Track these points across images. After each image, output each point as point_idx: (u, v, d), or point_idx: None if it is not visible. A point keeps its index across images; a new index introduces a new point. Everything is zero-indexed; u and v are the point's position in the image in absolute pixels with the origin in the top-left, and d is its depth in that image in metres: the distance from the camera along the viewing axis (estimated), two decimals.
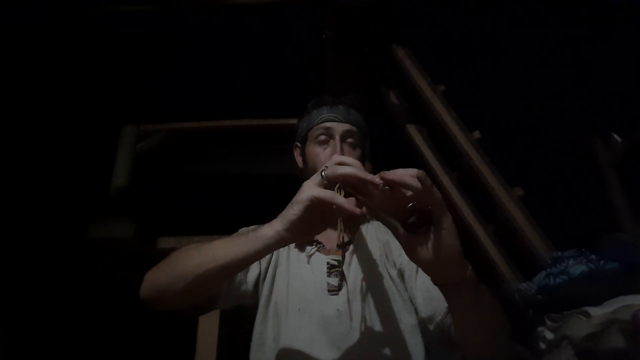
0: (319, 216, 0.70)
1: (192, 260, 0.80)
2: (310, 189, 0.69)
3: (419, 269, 0.96)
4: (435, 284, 0.69)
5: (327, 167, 0.70)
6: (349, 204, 0.65)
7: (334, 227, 0.97)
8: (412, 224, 0.63)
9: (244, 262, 0.77)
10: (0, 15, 1.91)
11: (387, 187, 0.63)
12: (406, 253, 0.67)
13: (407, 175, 0.62)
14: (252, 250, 0.73)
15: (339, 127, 1.10)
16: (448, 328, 0.86)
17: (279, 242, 0.72)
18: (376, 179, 0.64)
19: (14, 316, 1.74)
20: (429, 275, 0.68)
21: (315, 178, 0.70)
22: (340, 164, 0.70)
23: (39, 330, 1.79)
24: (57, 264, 1.84)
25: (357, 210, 0.65)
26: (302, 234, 0.73)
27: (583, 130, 1.93)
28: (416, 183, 0.61)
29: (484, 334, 0.74)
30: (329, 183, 0.69)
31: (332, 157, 0.74)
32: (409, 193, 0.62)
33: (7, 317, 1.72)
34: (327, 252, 1.03)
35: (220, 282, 0.88)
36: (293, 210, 0.70)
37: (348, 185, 0.67)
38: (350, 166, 0.68)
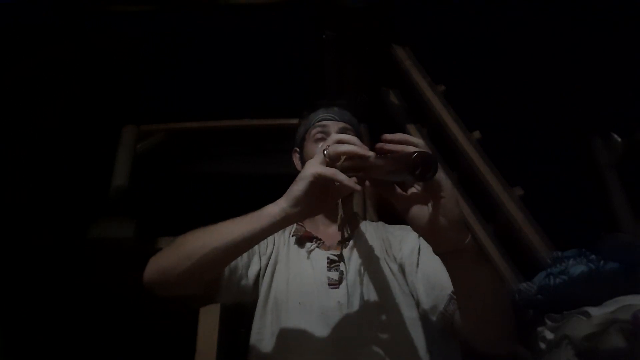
0: (321, 194, 0.72)
1: (198, 241, 0.81)
2: (314, 167, 0.71)
3: (419, 261, 0.97)
4: (436, 254, 0.69)
5: (328, 146, 0.72)
6: (349, 181, 0.67)
7: (335, 207, 1.00)
8: (419, 175, 0.61)
9: (250, 241, 0.78)
10: (0, 15, 1.91)
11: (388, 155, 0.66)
12: (405, 219, 0.67)
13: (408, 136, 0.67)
14: (259, 227, 0.75)
15: (334, 125, 1.11)
16: (451, 315, 0.86)
17: (285, 220, 0.74)
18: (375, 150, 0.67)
19: (14, 315, 1.74)
20: (429, 243, 0.69)
21: (318, 156, 0.72)
22: (340, 142, 0.72)
23: (39, 330, 1.79)
24: (57, 264, 1.84)
25: (357, 188, 0.68)
26: (306, 211, 0.75)
27: (583, 130, 1.93)
28: (419, 141, 0.66)
29: (486, 309, 0.74)
30: (331, 161, 0.71)
31: (331, 136, 0.76)
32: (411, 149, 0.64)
33: (7, 316, 1.72)
34: (327, 248, 1.03)
35: (227, 261, 0.88)
36: (297, 187, 0.72)
37: (349, 162, 0.70)
38: (351, 144, 0.71)
